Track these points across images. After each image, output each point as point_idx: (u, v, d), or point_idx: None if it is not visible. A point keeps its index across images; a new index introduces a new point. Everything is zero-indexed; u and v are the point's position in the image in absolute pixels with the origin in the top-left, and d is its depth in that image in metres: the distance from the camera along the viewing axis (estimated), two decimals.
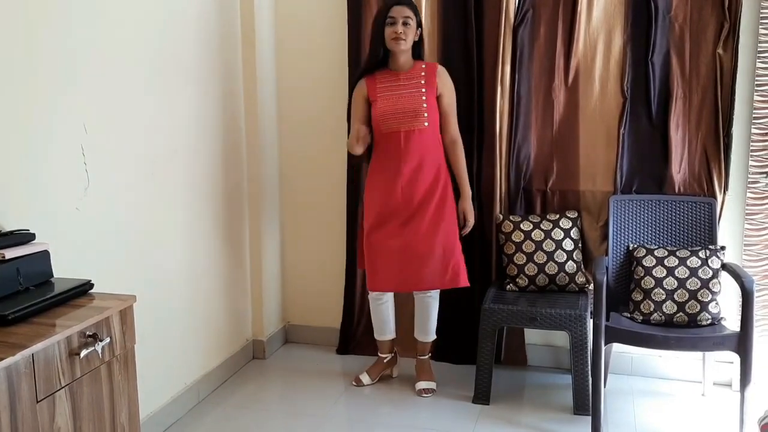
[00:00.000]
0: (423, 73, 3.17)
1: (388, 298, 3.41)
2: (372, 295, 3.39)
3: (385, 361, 3.49)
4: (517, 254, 3.34)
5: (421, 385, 3.34)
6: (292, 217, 3.86)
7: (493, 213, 3.49)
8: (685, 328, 2.96)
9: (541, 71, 3.43)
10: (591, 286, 3.35)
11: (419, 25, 3.17)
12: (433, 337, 3.39)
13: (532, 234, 3.34)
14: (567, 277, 3.30)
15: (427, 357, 3.41)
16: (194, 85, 3.15)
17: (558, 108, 3.43)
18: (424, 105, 3.12)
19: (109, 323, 1.98)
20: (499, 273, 3.52)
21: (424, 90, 3.13)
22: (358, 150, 3.19)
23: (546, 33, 3.40)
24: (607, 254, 3.29)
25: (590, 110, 3.39)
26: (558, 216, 3.39)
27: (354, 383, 3.43)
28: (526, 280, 3.32)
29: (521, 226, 3.37)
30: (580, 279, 3.31)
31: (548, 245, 3.32)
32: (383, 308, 3.41)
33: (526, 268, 3.32)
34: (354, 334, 3.79)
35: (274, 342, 3.83)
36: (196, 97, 3.16)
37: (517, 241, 3.35)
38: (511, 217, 3.42)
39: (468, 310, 3.60)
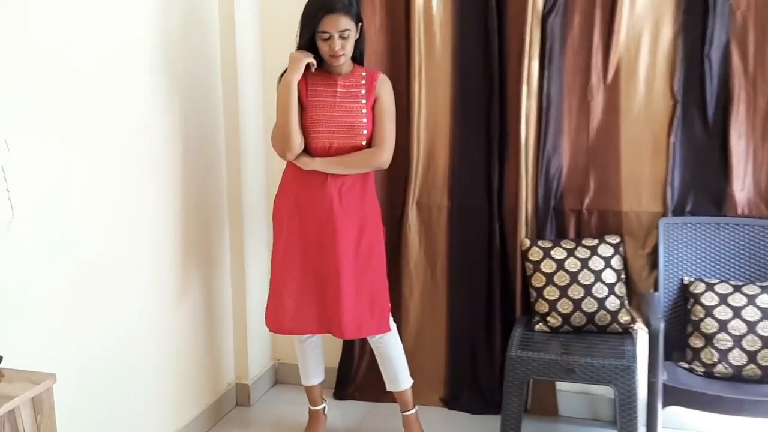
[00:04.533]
0: (363, 81, 2.61)
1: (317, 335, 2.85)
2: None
3: (324, 412, 2.96)
4: (547, 288, 2.80)
5: None
6: None
7: (518, 237, 2.95)
8: (759, 384, 2.42)
9: (574, 68, 2.88)
10: (636, 326, 2.81)
11: (359, 20, 2.56)
12: (407, 383, 2.81)
13: (566, 263, 2.80)
14: (608, 315, 2.75)
15: (412, 412, 2.83)
16: (158, 83, 2.60)
17: (595, 112, 2.88)
18: (364, 120, 2.58)
19: (15, 418, 1.45)
20: (524, 308, 2.97)
21: (364, 101, 2.60)
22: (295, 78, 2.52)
23: (581, 22, 2.85)
24: (656, 289, 2.75)
25: (633, 115, 2.84)
26: (596, 241, 2.84)
27: None
28: (560, 319, 2.78)
29: (552, 253, 2.83)
30: (624, 318, 2.76)
31: (585, 277, 2.77)
32: (308, 347, 2.86)
33: (558, 304, 2.77)
34: (354, 376, 3.25)
35: (260, 385, 3.30)
36: (160, 99, 2.62)
37: (548, 271, 2.81)
38: (539, 243, 2.88)
39: (487, 352, 3.07)
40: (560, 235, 2.95)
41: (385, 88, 2.65)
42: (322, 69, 2.61)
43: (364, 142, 2.60)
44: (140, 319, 2.55)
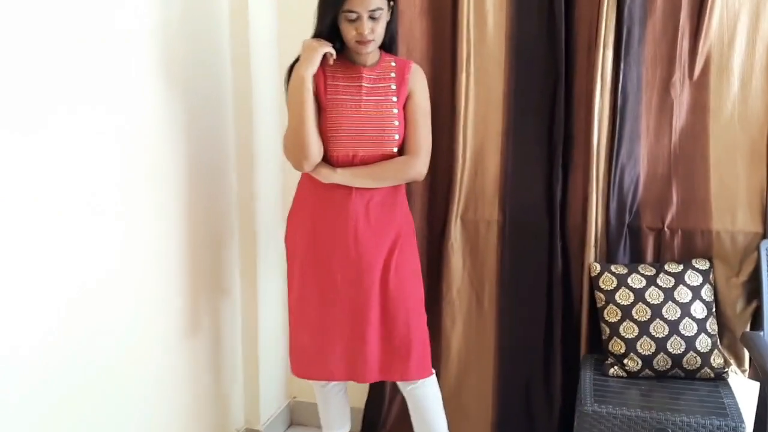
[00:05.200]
0: (393, 74, 2.15)
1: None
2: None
3: None
4: (624, 324, 2.32)
5: None
6: None
7: (585, 260, 2.46)
8: None
9: (655, 59, 2.39)
10: (730, 369, 2.34)
11: None
12: None
13: (647, 294, 2.32)
14: (698, 358, 2.27)
15: None
16: (157, 78, 2.11)
17: (679, 111, 2.40)
18: (396, 123, 2.12)
19: None
20: (591, 346, 2.49)
21: (395, 99, 2.13)
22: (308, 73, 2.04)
23: (664, 4, 2.36)
24: (755, 327, 2.28)
25: (726, 115, 2.35)
26: (681, 267, 2.36)
27: None
28: (639, 363, 2.29)
29: (629, 281, 2.35)
30: (717, 361, 2.28)
31: (670, 311, 2.29)
32: (330, 392, 2.42)
33: (638, 344, 2.29)
34: (384, 420, 2.77)
35: (274, 429, 2.80)
36: (161, 103, 2.13)
37: (625, 303, 2.33)
38: (612, 268, 2.40)
39: (544, 396, 2.59)
40: (636, 259, 2.47)
41: (419, 81, 2.18)
42: (343, 57, 2.13)
43: (395, 149, 2.13)
44: (138, 357, 2.07)
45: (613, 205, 2.45)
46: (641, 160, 2.44)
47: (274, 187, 2.69)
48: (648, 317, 2.29)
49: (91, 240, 1.85)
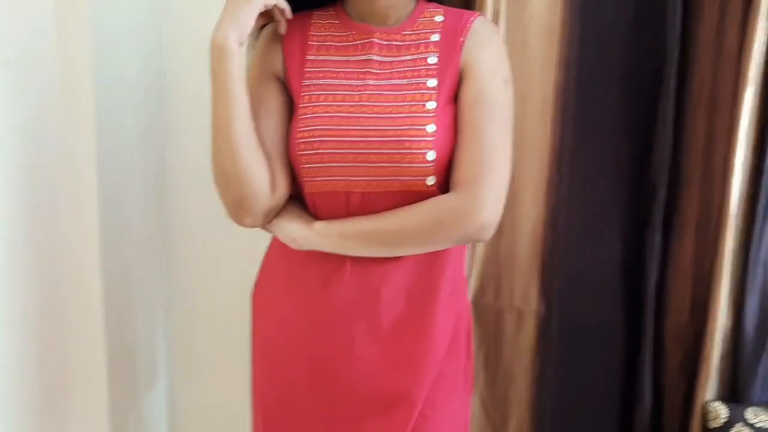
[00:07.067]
0: (435, 36, 1.15)
1: None
2: None
3: None
4: None
5: None
6: (190, 341, 1.73)
7: (696, 396, 1.42)
8: None
9: None
10: None
11: None
12: None
13: None
14: None
15: None
16: None
17: None
18: (429, 128, 1.08)
19: None
20: None
21: (432, 83, 1.12)
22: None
23: None
24: None
25: None
26: None
27: None
28: None
29: None
30: None
31: None
32: None
33: None
34: None
35: None
36: None
37: None
38: (750, 415, 1.36)
39: None
40: None
41: (487, 49, 1.15)
42: (342, 12, 1.19)
43: (430, 180, 1.08)
44: None
45: (752, 301, 1.40)
46: None
47: (149, 246, 1.55)
48: None
49: None
